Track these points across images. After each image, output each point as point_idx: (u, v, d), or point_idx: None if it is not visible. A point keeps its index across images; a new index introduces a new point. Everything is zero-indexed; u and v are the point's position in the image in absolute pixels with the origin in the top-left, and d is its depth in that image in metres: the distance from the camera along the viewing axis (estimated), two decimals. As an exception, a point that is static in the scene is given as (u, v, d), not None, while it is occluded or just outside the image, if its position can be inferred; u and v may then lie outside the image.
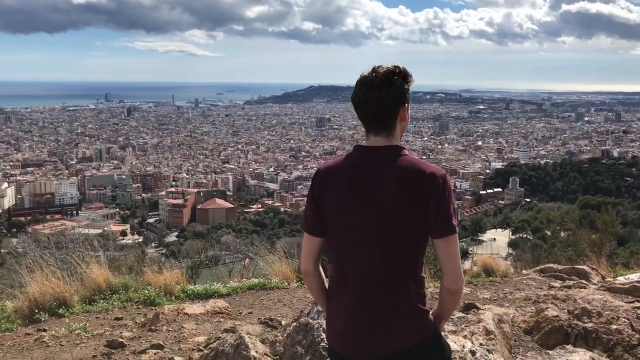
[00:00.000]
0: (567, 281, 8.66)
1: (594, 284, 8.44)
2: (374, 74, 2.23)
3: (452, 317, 4.65)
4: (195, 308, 5.97)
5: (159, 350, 4.26)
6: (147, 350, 4.60)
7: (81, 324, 5.74)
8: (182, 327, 5.53)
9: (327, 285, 2.49)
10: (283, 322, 5.73)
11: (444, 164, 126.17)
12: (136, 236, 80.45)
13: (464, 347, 3.32)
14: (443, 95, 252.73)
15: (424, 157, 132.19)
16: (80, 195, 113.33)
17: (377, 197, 2.20)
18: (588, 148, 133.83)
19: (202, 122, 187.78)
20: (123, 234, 75.11)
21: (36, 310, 6.29)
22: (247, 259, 16.35)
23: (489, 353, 3.45)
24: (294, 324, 4.04)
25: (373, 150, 2.28)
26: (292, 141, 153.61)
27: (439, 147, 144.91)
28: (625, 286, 7.52)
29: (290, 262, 8.88)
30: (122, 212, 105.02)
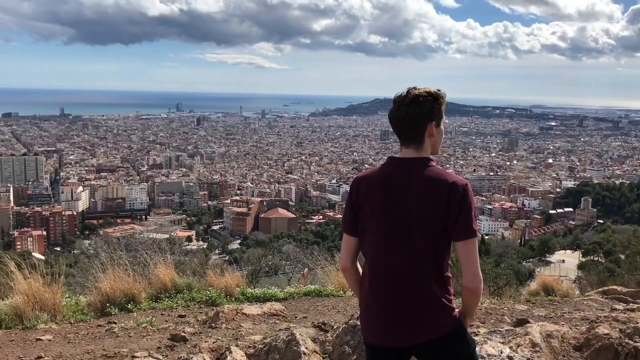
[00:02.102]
0: (631, 304, 8.42)
1: (650, 303, 8.17)
2: (405, 93, 2.56)
3: (500, 330, 4.71)
4: (253, 309, 6.26)
5: (219, 340, 4.55)
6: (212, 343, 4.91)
7: (148, 319, 6.13)
8: (240, 325, 5.83)
9: None
10: (335, 327, 5.93)
11: (512, 181, 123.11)
12: (201, 242, 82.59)
13: (501, 352, 3.43)
14: (513, 110, 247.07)
15: (491, 174, 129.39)
16: (150, 200, 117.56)
17: (405, 203, 2.48)
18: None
19: (267, 133, 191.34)
20: (189, 239, 77.32)
21: (107, 305, 6.76)
22: (306, 269, 16.66)
23: (529, 361, 3.54)
24: (344, 325, 4.24)
25: (403, 161, 2.58)
26: (355, 153, 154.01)
27: (508, 163, 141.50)
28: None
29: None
30: (188, 219, 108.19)
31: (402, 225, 2.48)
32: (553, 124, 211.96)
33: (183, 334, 5.40)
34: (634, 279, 13.15)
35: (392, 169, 2.58)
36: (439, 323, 2.50)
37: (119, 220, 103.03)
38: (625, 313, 7.29)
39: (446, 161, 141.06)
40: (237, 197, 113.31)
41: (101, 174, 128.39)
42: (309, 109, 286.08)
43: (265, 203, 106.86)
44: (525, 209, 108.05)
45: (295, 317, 6.71)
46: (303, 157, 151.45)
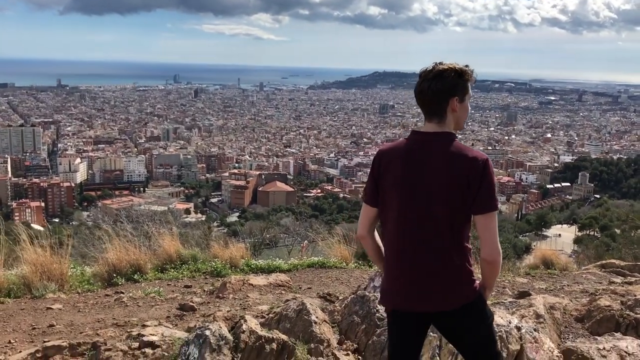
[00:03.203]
0: (629, 277, 8.55)
1: (653, 279, 8.29)
2: (431, 68, 2.59)
3: (504, 302, 4.81)
4: (259, 280, 6.36)
5: (232, 308, 4.64)
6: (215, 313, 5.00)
7: (155, 289, 6.23)
8: (247, 296, 5.93)
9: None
10: (340, 298, 6.03)
11: (510, 156, 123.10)
12: (199, 215, 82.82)
13: (510, 322, 3.51)
14: (512, 84, 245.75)
15: (490, 148, 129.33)
16: (148, 173, 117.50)
17: (426, 175, 2.53)
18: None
19: (266, 106, 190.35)
20: (187, 212, 77.46)
21: (114, 275, 6.86)
22: (306, 241, 16.79)
23: (535, 331, 3.63)
24: (352, 296, 4.33)
25: (426, 135, 2.61)
26: (354, 127, 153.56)
27: (506, 138, 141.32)
28: (689, 284, 7.38)
29: (348, 246, 9.18)
30: (186, 191, 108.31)
31: (422, 198, 2.53)
32: (552, 98, 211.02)
33: (191, 303, 5.50)
34: (631, 252, 13.32)
35: (414, 142, 2.62)
36: (459, 293, 2.57)
37: (117, 192, 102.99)
38: (622, 286, 7.42)
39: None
40: (236, 170, 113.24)
41: (99, 145, 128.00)
42: (307, 81, 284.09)
43: (263, 176, 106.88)
44: (522, 183, 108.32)
45: (300, 288, 6.82)
46: (301, 131, 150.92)
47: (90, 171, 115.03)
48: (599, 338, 4.17)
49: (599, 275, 8.90)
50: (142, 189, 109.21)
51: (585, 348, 3.90)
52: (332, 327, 4.05)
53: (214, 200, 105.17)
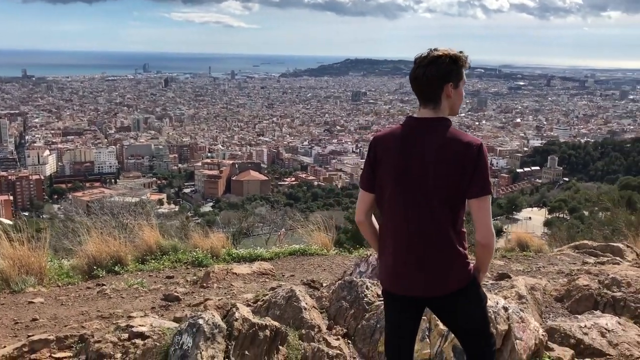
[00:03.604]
0: (601, 257, 8.77)
1: (628, 261, 8.52)
2: (425, 54, 2.62)
3: (485, 284, 4.91)
4: (242, 268, 6.37)
5: (223, 297, 4.65)
6: (201, 304, 5.00)
7: (138, 280, 6.19)
8: (232, 285, 5.94)
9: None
10: (324, 284, 6.07)
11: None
12: (172, 205, 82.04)
13: (497, 303, 3.60)
14: (482, 70, 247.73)
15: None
16: (119, 164, 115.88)
17: (422, 160, 2.56)
18: (632, 127, 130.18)
19: (237, 94, 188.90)
20: (160, 203, 76.61)
21: (94, 267, 6.79)
22: (283, 229, 16.81)
23: (521, 311, 3.73)
24: (339, 281, 4.37)
25: (421, 120, 2.64)
26: (327, 115, 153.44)
27: (477, 123, 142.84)
28: (659, 263, 7.60)
29: (328, 233, 9.23)
30: (158, 182, 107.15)
31: (419, 183, 2.57)
32: (521, 83, 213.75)
33: (176, 294, 5.49)
34: (602, 233, 13.64)
35: (409, 128, 2.65)
36: (456, 277, 2.62)
37: (88, 184, 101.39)
38: (596, 266, 7.62)
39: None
40: (208, 160, 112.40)
41: (68, 137, 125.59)
42: (279, 69, 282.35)
43: (237, 165, 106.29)
44: (493, 167, 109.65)
45: (283, 275, 6.85)
46: (274, 119, 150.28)
47: (59, 163, 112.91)
48: (579, 316, 4.30)
49: (573, 256, 9.10)
50: (113, 180, 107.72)
51: (567, 326, 4.02)
52: (321, 312, 4.10)
53: (187, 190, 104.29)
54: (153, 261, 7.35)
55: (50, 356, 3.79)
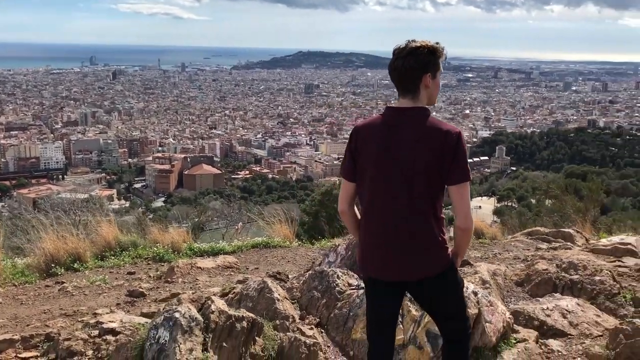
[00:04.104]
0: (554, 243, 9.11)
1: (579, 246, 8.87)
2: (404, 46, 2.68)
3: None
4: (206, 262, 6.33)
5: (189, 291, 4.62)
6: (168, 299, 4.96)
7: (100, 277, 6.08)
8: (197, 279, 5.90)
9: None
10: (290, 276, 6.10)
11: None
12: (123, 201, 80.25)
13: (467, 288, 3.71)
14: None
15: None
16: (66, 159, 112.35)
17: (402, 148, 2.63)
18: (575, 118, 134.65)
19: (188, 87, 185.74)
20: (110, 198, 74.79)
21: (52, 265, 6.62)
22: (240, 223, 16.71)
23: (489, 295, 3.86)
24: (309, 272, 4.41)
25: (401, 110, 2.71)
26: (280, 107, 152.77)
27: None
28: (607, 247, 7.93)
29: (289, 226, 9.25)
30: (108, 177, 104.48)
31: (400, 171, 2.63)
32: (470, 75, 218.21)
33: (140, 289, 5.41)
34: (551, 220, 14.14)
35: (389, 118, 2.71)
36: (437, 261, 2.70)
37: (33, 181, 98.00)
38: (549, 251, 7.92)
39: (369, 113, 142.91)
40: (159, 154, 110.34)
41: (11, 132, 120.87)
42: (231, 61, 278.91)
43: (189, 159, 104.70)
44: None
45: (247, 268, 6.84)
46: (227, 112, 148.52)
47: (2, 160, 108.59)
48: (541, 299, 4.48)
49: (527, 242, 9.41)
50: (60, 176, 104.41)
51: (531, 309, 4.19)
52: (292, 303, 4.12)
53: (137, 185, 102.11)
54: (113, 257, 7.23)
55: (16, 356, 3.69)
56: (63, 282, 6.03)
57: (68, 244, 6.92)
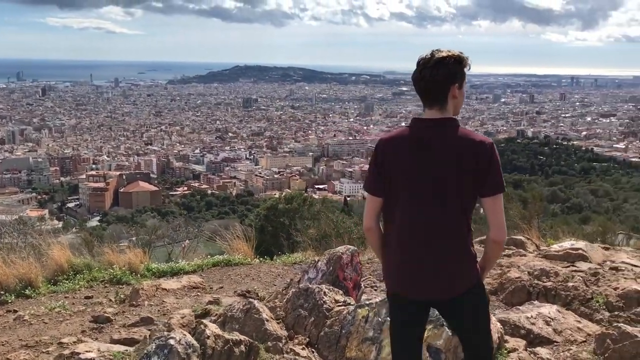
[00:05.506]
0: (507, 250, 9.32)
1: (531, 252, 9.11)
2: (430, 56, 2.62)
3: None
4: (171, 283, 6.09)
5: (157, 314, 4.39)
6: (138, 324, 4.72)
7: (59, 303, 5.73)
8: (163, 301, 5.65)
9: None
10: (260, 294, 5.95)
11: (369, 145, 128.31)
12: (55, 222, 77.04)
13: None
14: (368, 77, 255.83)
15: (350, 138, 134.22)
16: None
17: (434, 161, 2.56)
18: (505, 128, 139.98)
19: (122, 103, 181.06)
20: (41, 219, 71.69)
21: (1, 292, 6.20)
22: (187, 241, 16.29)
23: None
24: (293, 290, 4.29)
25: (429, 121, 2.64)
26: (218, 122, 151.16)
27: (365, 128, 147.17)
28: (560, 253, 8.18)
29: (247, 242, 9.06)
30: (39, 197, 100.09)
31: (432, 184, 2.55)
32: (404, 89, 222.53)
33: (106, 314, 5.14)
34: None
35: (418, 129, 2.64)
36: (468, 277, 2.64)
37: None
38: (504, 258, 8.08)
39: (308, 127, 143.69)
40: (93, 172, 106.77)
41: None
42: (166, 76, 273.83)
43: (124, 177, 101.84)
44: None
45: (212, 288, 6.62)
46: (163, 127, 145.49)
47: None
48: (522, 308, 4.53)
49: (480, 250, 9.59)
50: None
51: (516, 318, 4.22)
52: (277, 323, 3.99)
53: (71, 205, 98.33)
54: (66, 282, 6.85)
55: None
56: (17, 311, 5.64)
57: (18, 269, 6.51)
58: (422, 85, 2.64)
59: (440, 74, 2.58)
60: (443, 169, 2.55)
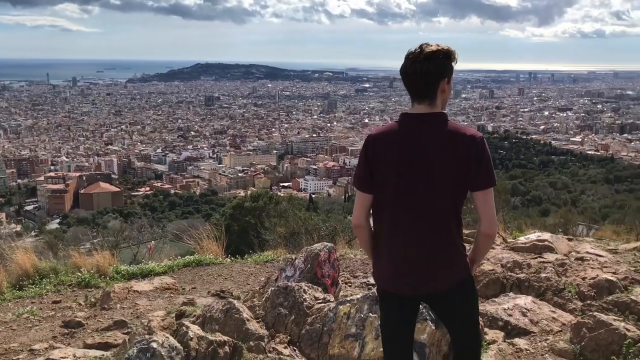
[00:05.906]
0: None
1: (498, 245, 9.27)
2: (419, 50, 2.58)
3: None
4: (143, 285, 5.97)
5: (131, 317, 4.29)
6: (111, 327, 4.61)
7: (27, 308, 5.56)
8: (136, 303, 5.53)
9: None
10: (234, 293, 5.89)
11: (333, 142, 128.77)
12: (13, 225, 74.89)
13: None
14: (330, 73, 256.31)
15: (314, 135, 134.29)
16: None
17: (426, 155, 2.53)
18: (465, 123, 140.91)
19: (81, 102, 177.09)
20: (-2, 223, 69.69)
21: (-36, 300, 5.99)
22: (153, 242, 16.05)
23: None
24: (272, 288, 4.24)
25: (419, 116, 2.60)
26: (180, 121, 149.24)
27: (328, 125, 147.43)
28: (527, 245, 8.33)
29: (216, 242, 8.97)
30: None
31: (424, 179, 2.53)
32: (367, 85, 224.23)
33: (77, 319, 5.01)
34: (464, 221, 14.75)
35: (407, 124, 2.61)
36: (459, 270, 2.63)
37: None
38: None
39: (271, 125, 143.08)
40: (52, 174, 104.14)
41: None
42: (126, 74, 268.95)
43: (84, 178, 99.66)
44: (346, 167, 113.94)
45: (184, 289, 6.52)
46: (123, 127, 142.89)
47: None
48: (497, 299, 4.59)
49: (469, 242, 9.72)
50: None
51: (493, 310, 4.28)
52: (257, 322, 3.94)
53: (29, 207, 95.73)
54: (32, 286, 6.66)
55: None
56: (-19, 318, 5.45)
57: (-20, 275, 6.30)
58: (412, 80, 2.61)
59: (429, 69, 2.55)
60: (433, 164, 2.53)
